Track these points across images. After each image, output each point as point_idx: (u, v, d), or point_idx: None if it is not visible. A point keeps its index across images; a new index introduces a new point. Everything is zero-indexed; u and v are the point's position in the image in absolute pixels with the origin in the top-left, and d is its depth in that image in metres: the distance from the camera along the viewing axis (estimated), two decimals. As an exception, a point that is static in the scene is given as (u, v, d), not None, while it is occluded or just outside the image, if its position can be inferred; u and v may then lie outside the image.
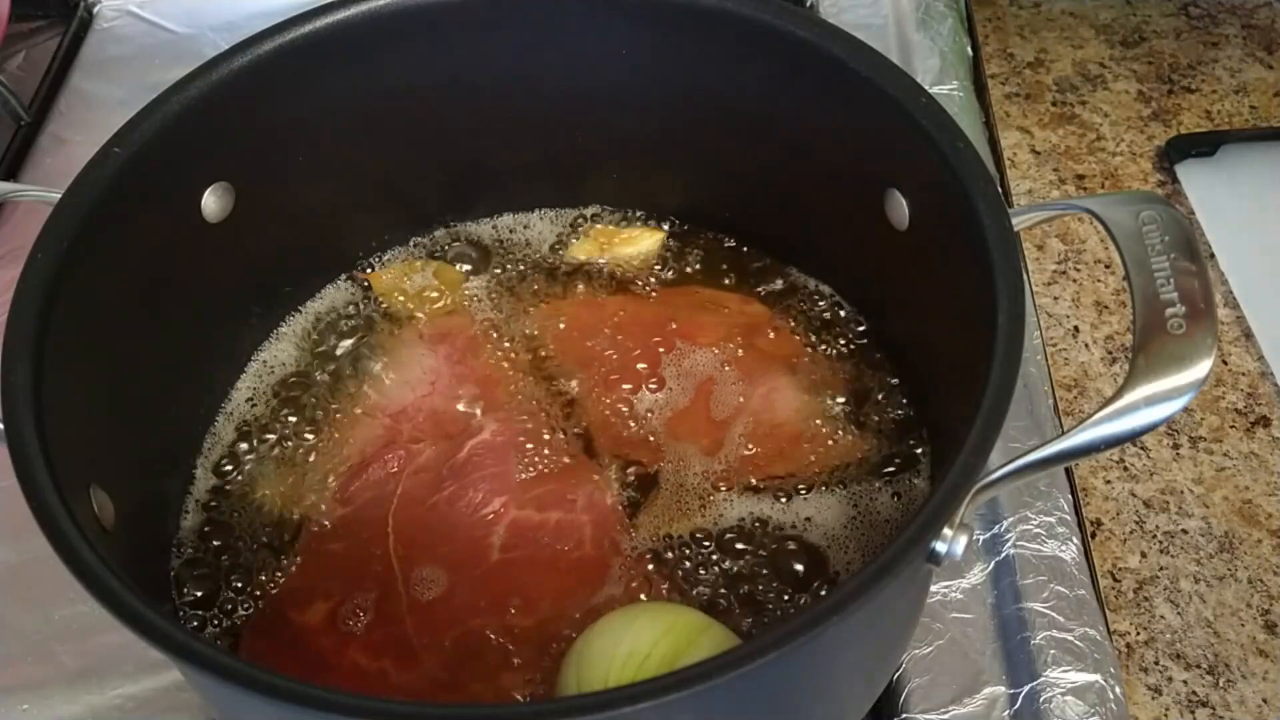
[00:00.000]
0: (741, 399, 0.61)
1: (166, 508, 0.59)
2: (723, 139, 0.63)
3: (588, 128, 0.66)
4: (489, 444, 0.60)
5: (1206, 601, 0.63)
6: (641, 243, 0.69)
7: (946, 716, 0.57)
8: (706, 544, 0.57)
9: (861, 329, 0.64)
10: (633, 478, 0.59)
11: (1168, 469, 0.68)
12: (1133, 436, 0.43)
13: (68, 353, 0.49)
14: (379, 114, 0.62)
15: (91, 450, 0.50)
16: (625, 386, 0.62)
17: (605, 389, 0.62)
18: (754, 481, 0.59)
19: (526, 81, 0.63)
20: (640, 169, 0.68)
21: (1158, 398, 0.43)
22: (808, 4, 0.92)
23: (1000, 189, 0.64)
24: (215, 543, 0.59)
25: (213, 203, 0.58)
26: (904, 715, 0.57)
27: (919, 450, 0.60)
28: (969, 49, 0.89)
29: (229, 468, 0.61)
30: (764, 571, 0.56)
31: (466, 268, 0.68)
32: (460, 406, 0.62)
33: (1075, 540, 0.62)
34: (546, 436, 0.61)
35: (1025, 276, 0.59)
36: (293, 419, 0.63)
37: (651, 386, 0.62)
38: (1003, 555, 0.62)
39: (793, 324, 0.65)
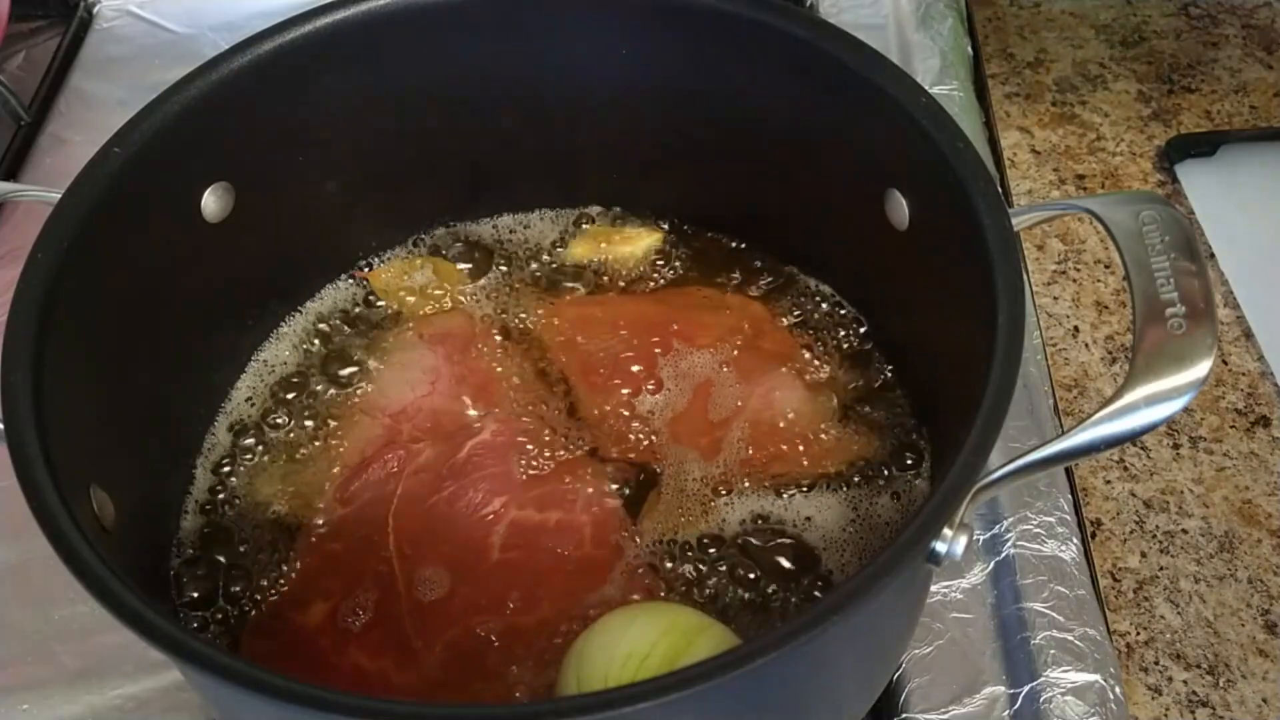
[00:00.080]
0: (740, 400, 0.61)
1: (166, 508, 0.59)
2: (722, 139, 0.63)
3: (588, 128, 0.66)
4: (489, 444, 0.60)
5: (1206, 601, 0.63)
6: (640, 242, 0.69)
7: (946, 716, 0.57)
8: (706, 544, 0.57)
9: (862, 329, 0.64)
10: (632, 478, 0.59)
11: (1168, 469, 0.68)
12: (1133, 436, 0.43)
13: (68, 353, 0.49)
14: (379, 114, 0.62)
15: (91, 450, 0.50)
16: (624, 389, 0.62)
17: (605, 390, 0.62)
18: (753, 482, 0.59)
19: (526, 81, 0.63)
20: (640, 169, 0.68)
21: (1158, 398, 0.43)
22: (808, 4, 0.92)
23: (1000, 189, 0.64)
24: (215, 543, 0.59)
25: (213, 203, 0.58)
26: (904, 715, 0.57)
27: (919, 450, 0.60)
28: (969, 49, 0.89)
29: (229, 468, 0.61)
30: (763, 571, 0.56)
31: (466, 267, 0.68)
32: (460, 406, 0.62)
33: (1075, 540, 0.62)
34: (546, 436, 0.61)
35: (1025, 276, 0.59)
36: (292, 419, 0.63)
37: (650, 388, 0.62)
38: (1003, 555, 0.62)
39: (792, 324, 0.65)
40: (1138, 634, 0.62)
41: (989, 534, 0.63)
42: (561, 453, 0.60)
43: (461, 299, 0.67)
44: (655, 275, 0.68)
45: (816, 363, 0.63)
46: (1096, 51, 0.91)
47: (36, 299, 0.48)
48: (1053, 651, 0.58)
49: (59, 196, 0.51)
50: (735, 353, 0.63)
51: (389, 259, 0.69)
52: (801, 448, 0.60)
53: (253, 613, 0.56)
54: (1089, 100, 0.87)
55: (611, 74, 0.62)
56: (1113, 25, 0.93)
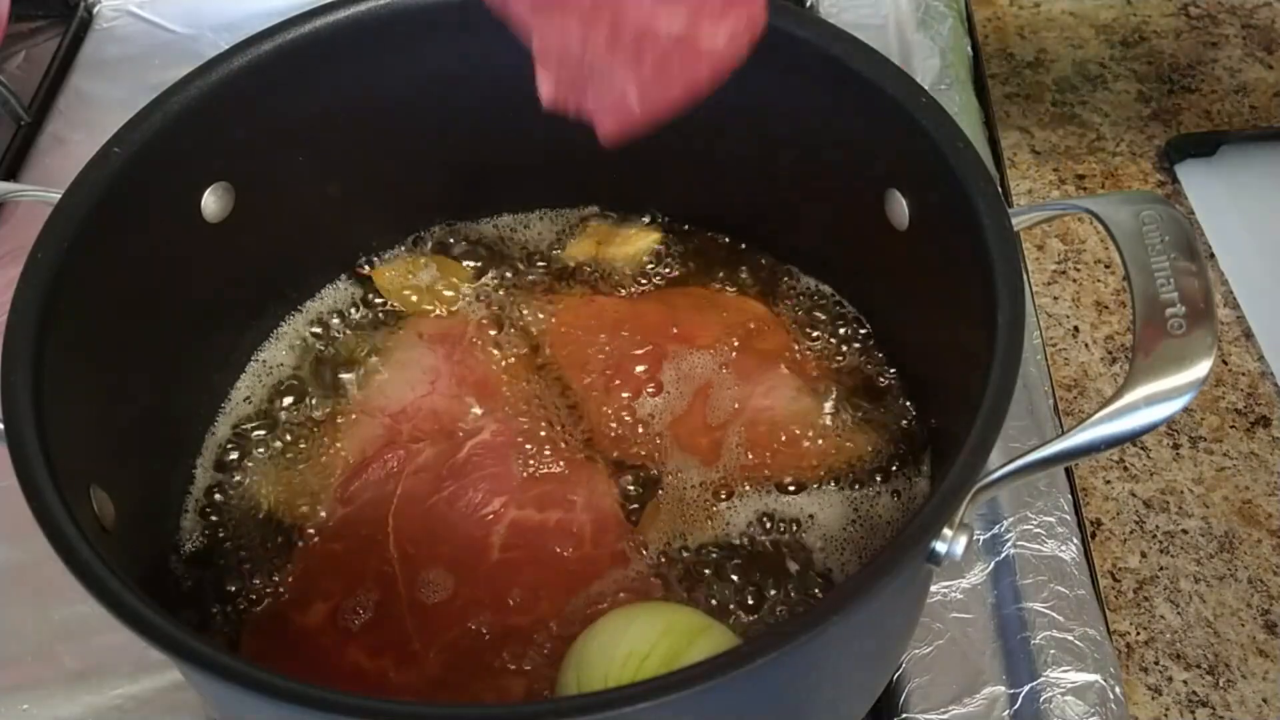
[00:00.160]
0: (739, 401, 0.61)
1: (166, 508, 0.59)
2: (722, 139, 0.63)
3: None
4: (489, 444, 0.60)
5: (1206, 601, 0.63)
6: (638, 242, 0.69)
7: (946, 716, 0.57)
8: (705, 544, 0.57)
9: (862, 329, 0.64)
10: (633, 478, 0.59)
11: (1168, 469, 0.68)
12: (1133, 436, 0.43)
13: (68, 352, 0.49)
14: (379, 114, 0.62)
15: (91, 450, 0.50)
16: (625, 390, 0.62)
17: (604, 390, 0.62)
18: (753, 483, 0.59)
19: (527, 81, 0.63)
20: (640, 169, 0.68)
21: (1158, 398, 0.43)
22: (808, 4, 0.92)
23: (1000, 189, 0.64)
24: (215, 542, 0.59)
25: (213, 203, 0.58)
26: (904, 715, 0.57)
27: (919, 450, 0.60)
28: (969, 49, 0.89)
29: (229, 467, 0.61)
30: (763, 571, 0.56)
31: (467, 267, 0.68)
32: (460, 406, 0.62)
33: (1075, 540, 0.62)
34: (546, 436, 0.61)
35: (1025, 276, 0.59)
36: (292, 419, 0.63)
37: (650, 390, 0.62)
38: (1003, 555, 0.62)
39: (792, 324, 0.65)
40: (1138, 634, 0.62)
41: (989, 534, 0.63)
42: (561, 453, 0.60)
43: (462, 299, 0.67)
44: (655, 275, 0.68)
45: (816, 363, 0.63)
46: (1096, 51, 0.91)
47: (36, 299, 0.48)
48: (1053, 651, 0.58)
49: (59, 196, 0.51)
50: (734, 353, 0.63)
51: (389, 259, 0.69)
52: (801, 448, 0.60)
53: (252, 613, 0.56)
54: (1089, 100, 0.87)
55: (611, 74, 0.62)
56: (1113, 25, 0.93)
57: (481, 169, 0.68)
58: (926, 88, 0.56)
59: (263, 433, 0.62)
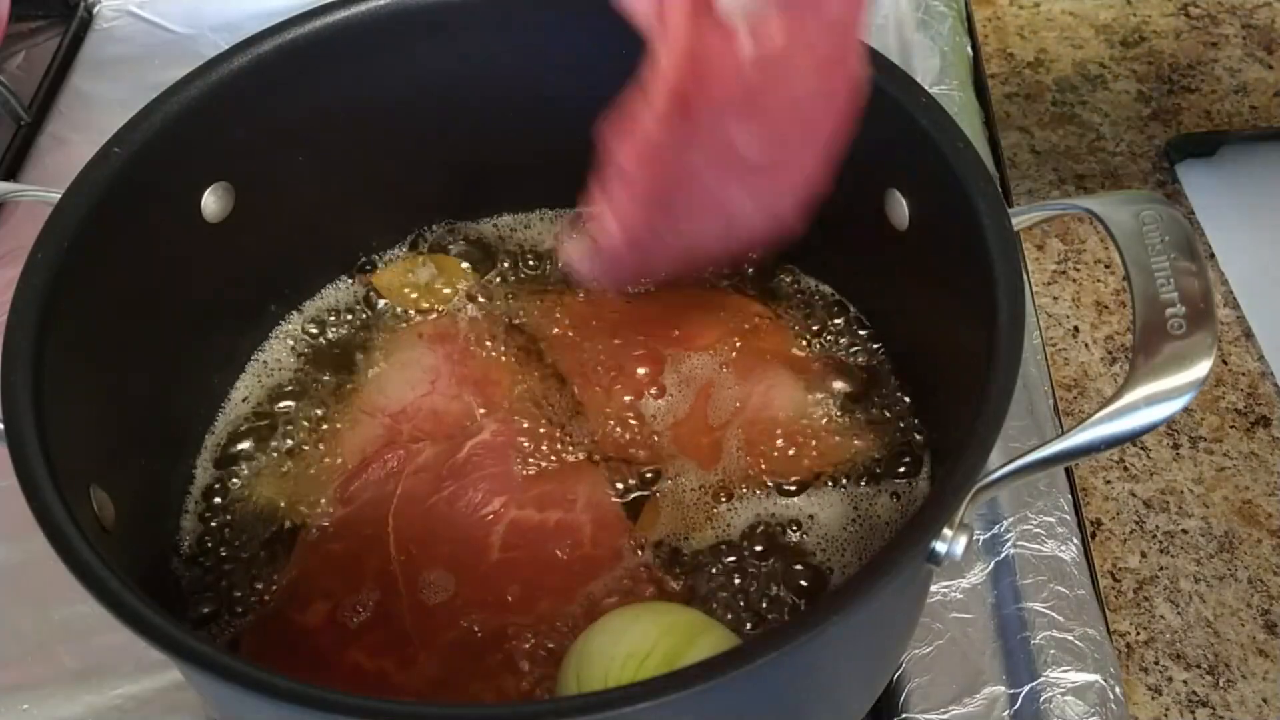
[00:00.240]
0: (740, 401, 0.61)
1: (166, 508, 0.59)
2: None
3: (588, 128, 0.66)
4: (489, 444, 0.60)
5: (1206, 601, 0.63)
6: None
7: (946, 716, 0.57)
8: (706, 544, 0.57)
9: (861, 330, 0.64)
10: (632, 478, 0.59)
11: (1168, 469, 0.68)
12: (1133, 436, 0.43)
13: (68, 352, 0.49)
14: (379, 114, 0.62)
15: (91, 450, 0.50)
16: (625, 391, 0.62)
17: (605, 390, 0.62)
18: (753, 483, 0.59)
19: (526, 81, 0.63)
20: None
21: (1158, 398, 0.43)
22: (808, 4, 0.92)
23: (1000, 189, 0.64)
24: (215, 542, 0.59)
25: (213, 203, 0.58)
26: (904, 715, 0.57)
27: (919, 450, 0.60)
28: (969, 49, 0.89)
29: (229, 467, 0.61)
30: (763, 571, 0.56)
31: (466, 267, 0.68)
32: (460, 406, 0.62)
33: (1075, 540, 0.62)
34: (546, 436, 0.61)
35: (1025, 276, 0.59)
36: (292, 419, 0.63)
37: (653, 392, 0.62)
38: (1003, 555, 0.62)
39: (792, 324, 0.65)
40: (1138, 634, 0.62)
41: (989, 534, 0.63)
42: (562, 453, 0.60)
43: (462, 299, 0.67)
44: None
45: (816, 363, 0.63)
46: (1096, 51, 0.91)
47: (36, 299, 0.48)
48: (1053, 651, 0.58)
49: (59, 196, 0.51)
50: (734, 354, 0.63)
51: (389, 259, 0.69)
52: (801, 448, 0.60)
53: (253, 612, 0.56)
54: (1089, 100, 0.87)
55: (611, 74, 0.62)
56: (1113, 25, 0.93)
57: (481, 169, 0.68)
58: (926, 88, 0.56)
59: (263, 433, 0.62)
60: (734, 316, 0.65)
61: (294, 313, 0.67)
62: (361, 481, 0.59)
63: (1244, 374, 0.71)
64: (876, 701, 0.56)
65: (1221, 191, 0.79)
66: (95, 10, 0.97)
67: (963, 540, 0.42)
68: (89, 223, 0.51)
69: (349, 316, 0.67)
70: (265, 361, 0.65)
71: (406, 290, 0.67)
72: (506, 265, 0.69)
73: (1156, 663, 0.61)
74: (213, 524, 0.59)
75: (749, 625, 0.54)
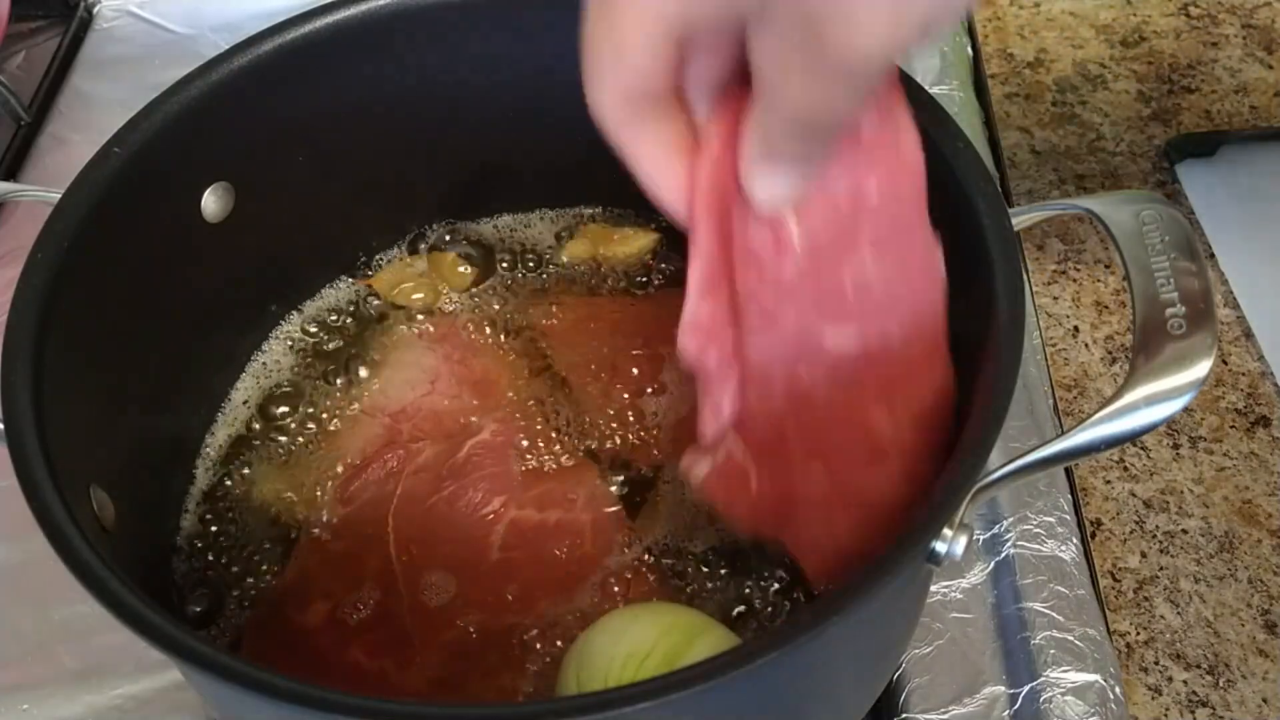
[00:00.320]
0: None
1: (166, 508, 0.59)
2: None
3: (588, 128, 0.66)
4: (488, 444, 0.60)
5: (1206, 601, 0.63)
6: (636, 242, 0.69)
7: (946, 716, 0.57)
8: (706, 544, 0.57)
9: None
10: (633, 478, 0.59)
11: (1168, 469, 0.68)
12: (1133, 436, 0.43)
13: (68, 353, 0.49)
14: (379, 114, 0.62)
15: (91, 450, 0.50)
16: (625, 391, 0.62)
17: (605, 390, 0.62)
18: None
19: (526, 81, 0.63)
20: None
21: (1158, 398, 0.43)
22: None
23: (1000, 189, 0.64)
24: (215, 542, 0.59)
25: (213, 203, 0.58)
26: (904, 715, 0.57)
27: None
28: (969, 49, 0.89)
29: (229, 467, 0.61)
30: (763, 572, 0.56)
31: (466, 268, 0.68)
32: (460, 406, 0.62)
33: (1075, 540, 0.62)
34: (546, 436, 0.61)
35: (1025, 276, 0.59)
36: (292, 418, 0.63)
37: (651, 390, 0.62)
38: (1003, 555, 0.62)
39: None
40: (1138, 634, 0.62)
41: (989, 534, 0.63)
42: (561, 453, 0.60)
43: (462, 299, 0.67)
44: (656, 274, 0.68)
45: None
46: (1096, 51, 0.91)
47: (36, 299, 0.48)
48: (1053, 651, 0.58)
49: (59, 196, 0.51)
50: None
51: (389, 259, 0.69)
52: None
53: (253, 612, 0.56)
54: (1089, 100, 0.87)
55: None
56: (1113, 25, 0.93)
57: (481, 169, 0.68)
58: (926, 87, 0.56)
59: (262, 433, 0.62)
60: (734, 316, 0.65)
61: (294, 313, 0.67)
62: (361, 481, 0.59)
63: (1244, 374, 0.71)
64: (876, 701, 0.56)
65: (1221, 191, 0.79)
66: (95, 10, 0.97)
67: (963, 540, 0.42)
68: (89, 223, 0.51)
69: (349, 317, 0.67)
70: (265, 362, 0.65)
71: (406, 290, 0.67)
72: (506, 265, 0.69)
73: (1156, 663, 0.61)
74: (213, 524, 0.59)
75: (749, 626, 0.54)
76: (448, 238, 0.70)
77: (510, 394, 0.63)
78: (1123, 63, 0.90)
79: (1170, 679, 0.60)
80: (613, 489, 0.59)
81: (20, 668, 0.61)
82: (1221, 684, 0.60)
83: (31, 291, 0.48)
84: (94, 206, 0.51)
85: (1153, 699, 0.60)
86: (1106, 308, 0.75)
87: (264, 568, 0.57)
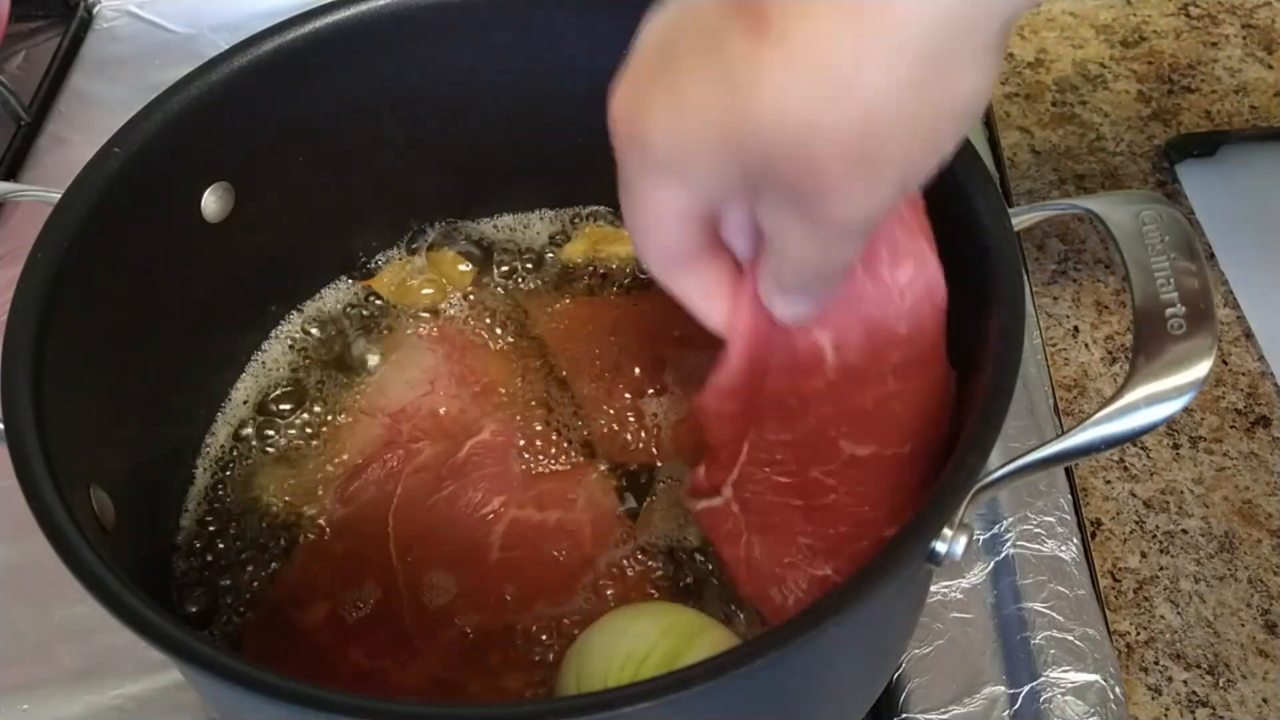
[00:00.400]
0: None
1: (166, 508, 0.59)
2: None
3: (588, 128, 0.66)
4: (488, 443, 0.60)
5: (1206, 601, 0.63)
6: None
7: (946, 716, 0.57)
8: (705, 544, 0.57)
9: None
10: (632, 478, 0.59)
11: (1168, 469, 0.68)
12: (1133, 436, 0.43)
13: (68, 353, 0.49)
14: (379, 114, 0.62)
15: (91, 450, 0.50)
16: (625, 390, 0.62)
17: (605, 390, 0.62)
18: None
19: (527, 81, 0.63)
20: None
21: (1158, 398, 0.43)
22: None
23: (1000, 189, 0.64)
24: (215, 542, 0.59)
25: (213, 203, 0.58)
26: (904, 715, 0.57)
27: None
28: (969, 49, 0.89)
29: (229, 468, 0.61)
30: (764, 571, 0.56)
31: (466, 267, 0.68)
32: (460, 406, 0.62)
33: (1075, 540, 0.62)
34: (546, 436, 0.61)
35: (1025, 276, 0.59)
36: (292, 418, 0.63)
37: (652, 390, 0.62)
38: (1003, 555, 0.62)
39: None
40: (1138, 634, 0.62)
41: (989, 534, 0.63)
42: (561, 452, 0.60)
43: (461, 299, 0.67)
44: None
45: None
46: (1096, 51, 0.91)
47: (36, 299, 0.48)
48: (1053, 651, 0.58)
49: (59, 196, 0.51)
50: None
51: (389, 259, 0.69)
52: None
53: (253, 612, 0.56)
54: (1089, 100, 0.87)
55: (612, 74, 0.62)
56: (1113, 25, 0.93)
57: (481, 169, 0.68)
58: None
59: (262, 433, 0.62)
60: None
61: (294, 313, 0.67)
62: (361, 481, 0.59)
63: (1244, 374, 0.71)
64: (876, 701, 0.56)
65: (1221, 191, 0.79)
66: (95, 10, 0.97)
67: (963, 540, 0.42)
68: (89, 223, 0.51)
69: (349, 317, 0.67)
70: (265, 362, 0.65)
71: (406, 290, 0.67)
72: (506, 265, 0.69)
73: (1156, 663, 0.61)
74: (213, 524, 0.59)
75: (748, 625, 0.54)
76: (448, 238, 0.70)
77: (510, 394, 0.63)
78: (1123, 63, 0.90)
79: (1170, 679, 0.60)
80: (613, 488, 0.59)
81: (20, 668, 0.61)
82: (1221, 684, 0.60)
83: (31, 291, 0.48)
84: (94, 206, 0.51)
85: (1153, 699, 0.60)
86: (1106, 308, 0.75)
87: (264, 568, 0.57)
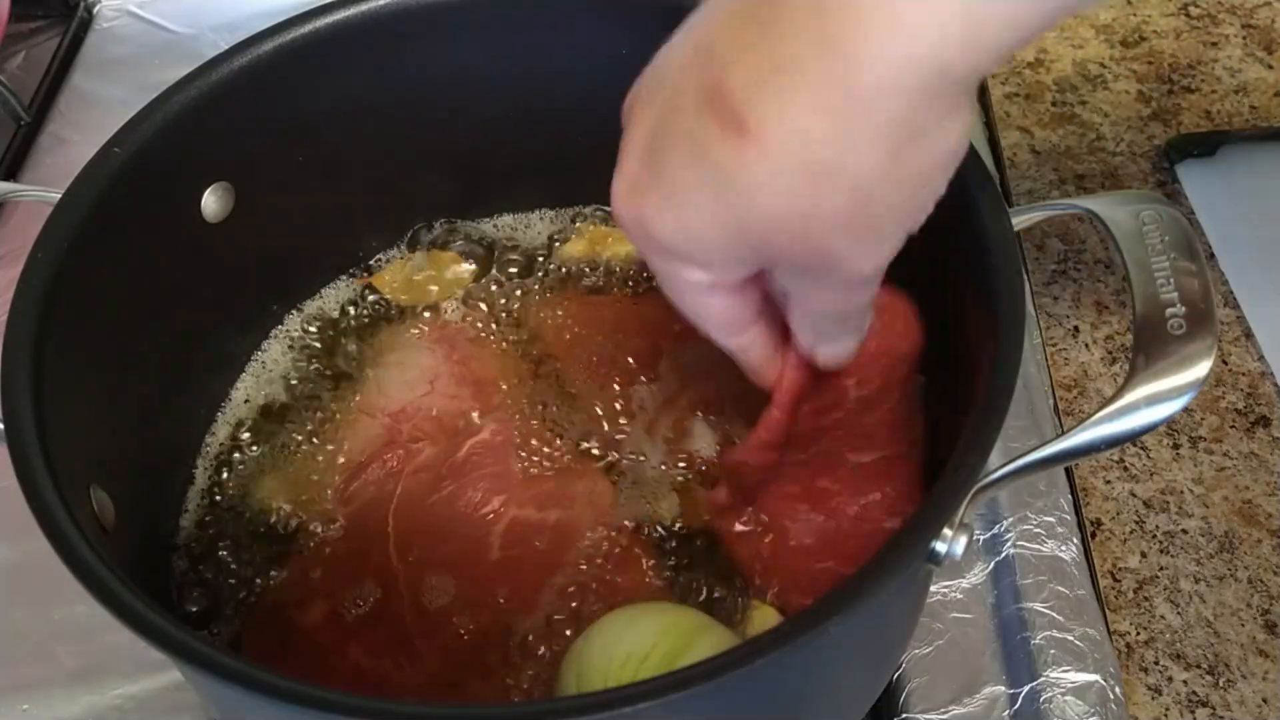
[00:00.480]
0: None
1: (166, 508, 0.59)
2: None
3: (588, 128, 0.66)
4: (488, 443, 0.60)
5: (1206, 601, 0.63)
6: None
7: (946, 716, 0.57)
8: (708, 544, 0.57)
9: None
10: (633, 475, 0.59)
11: (1168, 469, 0.68)
12: (1133, 436, 0.43)
13: (68, 353, 0.49)
14: (379, 114, 0.62)
15: (91, 450, 0.50)
16: (625, 388, 0.62)
17: (605, 388, 0.62)
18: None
19: (526, 81, 0.63)
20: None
21: (1158, 398, 0.43)
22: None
23: (1000, 189, 0.64)
24: (215, 542, 0.59)
25: (213, 203, 0.58)
26: (904, 715, 0.57)
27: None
28: (969, 49, 0.89)
29: (229, 467, 0.61)
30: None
31: (466, 267, 0.68)
32: (459, 406, 0.62)
33: (1075, 540, 0.62)
34: (546, 435, 0.61)
35: (1025, 276, 0.59)
36: (292, 418, 0.63)
37: (653, 389, 0.62)
38: (1003, 555, 0.62)
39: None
40: (1138, 634, 0.62)
41: (989, 534, 0.63)
42: (561, 451, 0.60)
43: (461, 298, 0.67)
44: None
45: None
46: (1096, 51, 0.91)
47: (36, 299, 0.48)
48: (1053, 651, 0.58)
49: (59, 196, 0.51)
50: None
51: (389, 259, 0.69)
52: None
53: (253, 612, 0.56)
54: (1089, 100, 0.87)
55: (612, 74, 0.62)
56: (1113, 25, 0.93)
57: (481, 169, 0.68)
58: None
59: (262, 433, 0.62)
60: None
61: (294, 313, 0.67)
62: (361, 481, 0.59)
63: (1244, 374, 0.71)
64: (876, 701, 0.56)
65: (1221, 191, 0.79)
66: (95, 10, 0.97)
67: (963, 540, 0.42)
68: (89, 223, 0.51)
69: (349, 316, 0.67)
70: (265, 362, 0.65)
71: (406, 290, 0.67)
72: (506, 265, 0.69)
73: (1156, 663, 0.61)
74: (213, 524, 0.59)
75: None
76: (448, 237, 0.70)
77: (510, 393, 0.63)
78: (1123, 63, 0.90)
79: (1170, 679, 0.60)
80: (612, 487, 0.59)
81: (20, 668, 0.61)
82: (1221, 684, 0.60)
83: (31, 291, 0.48)
84: (94, 206, 0.51)
85: (1153, 699, 0.60)
86: (1106, 308, 0.75)
87: (264, 568, 0.57)
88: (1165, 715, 0.59)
